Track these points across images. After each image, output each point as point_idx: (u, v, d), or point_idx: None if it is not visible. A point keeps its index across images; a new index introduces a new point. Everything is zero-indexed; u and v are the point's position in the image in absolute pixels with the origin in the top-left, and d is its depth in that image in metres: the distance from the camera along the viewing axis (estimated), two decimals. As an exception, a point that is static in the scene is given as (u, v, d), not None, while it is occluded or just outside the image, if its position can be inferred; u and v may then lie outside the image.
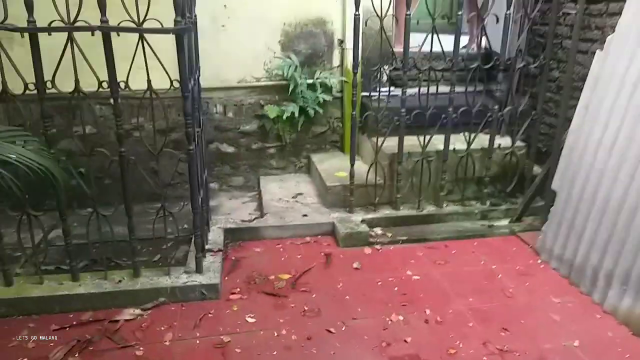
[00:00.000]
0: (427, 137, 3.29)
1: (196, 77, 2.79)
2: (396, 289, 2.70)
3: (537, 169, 3.48)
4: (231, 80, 3.76)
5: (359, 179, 3.33)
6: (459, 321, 2.44)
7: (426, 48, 3.16)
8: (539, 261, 2.97)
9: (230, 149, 3.93)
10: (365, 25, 3.39)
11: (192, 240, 2.76)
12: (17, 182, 2.04)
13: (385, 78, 3.64)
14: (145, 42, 2.28)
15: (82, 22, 2.19)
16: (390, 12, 3.16)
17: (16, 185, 2.04)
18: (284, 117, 3.75)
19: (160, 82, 2.37)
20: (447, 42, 3.16)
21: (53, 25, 2.18)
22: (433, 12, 3.04)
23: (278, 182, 3.93)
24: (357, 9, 2.97)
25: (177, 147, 3.24)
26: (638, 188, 2.35)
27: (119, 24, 2.21)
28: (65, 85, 2.35)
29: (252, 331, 2.35)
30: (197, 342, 2.27)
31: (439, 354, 2.21)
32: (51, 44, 2.21)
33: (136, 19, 2.23)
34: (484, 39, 3.31)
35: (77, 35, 2.23)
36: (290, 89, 3.71)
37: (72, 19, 2.20)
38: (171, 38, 2.22)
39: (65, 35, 2.23)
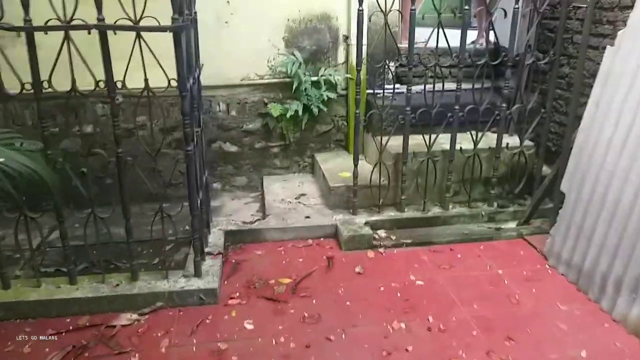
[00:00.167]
0: (433, 136, 3.21)
1: (196, 75, 2.74)
2: (399, 294, 2.64)
3: (546, 170, 3.38)
4: (234, 78, 3.70)
5: (363, 180, 3.26)
6: (463, 329, 2.37)
7: (432, 43, 3.07)
8: (547, 266, 2.89)
9: (234, 148, 3.87)
10: (370, 20, 3.32)
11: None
12: (9, 184, 2.00)
13: (390, 75, 3.56)
14: (142, 41, 2.24)
15: (78, 20, 2.15)
16: (395, 6, 3.08)
17: (13, 187, 2.00)
18: (288, 115, 3.69)
19: (161, 81, 2.32)
20: (453, 37, 3.07)
21: (49, 24, 2.15)
22: (439, 6, 2.94)
23: (281, 182, 3.88)
24: (360, 4, 2.90)
25: (179, 146, 3.21)
26: (650, 192, 2.26)
27: (115, 22, 2.17)
28: (65, 84, 2.31)
29: (250, 338, 2.31)
30: (194, 349, 2.24)
31: (440, 364, 2.15)
32: (51, 44, 2.18)
33: (133, 17, 2.19)
34: (491, 34, 3.21)
35: (74, 34, 2.20)
36: (294, 87, 3.64)
37: (68, 18, 2.16)
38: (170, 36, 2.18)
39: (61, 34, 2.20)
